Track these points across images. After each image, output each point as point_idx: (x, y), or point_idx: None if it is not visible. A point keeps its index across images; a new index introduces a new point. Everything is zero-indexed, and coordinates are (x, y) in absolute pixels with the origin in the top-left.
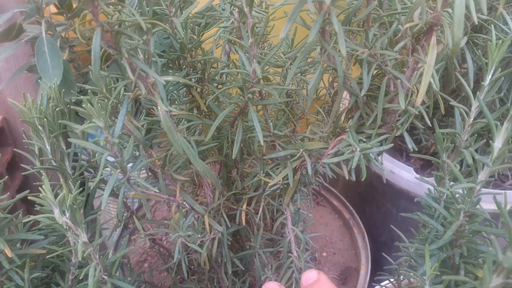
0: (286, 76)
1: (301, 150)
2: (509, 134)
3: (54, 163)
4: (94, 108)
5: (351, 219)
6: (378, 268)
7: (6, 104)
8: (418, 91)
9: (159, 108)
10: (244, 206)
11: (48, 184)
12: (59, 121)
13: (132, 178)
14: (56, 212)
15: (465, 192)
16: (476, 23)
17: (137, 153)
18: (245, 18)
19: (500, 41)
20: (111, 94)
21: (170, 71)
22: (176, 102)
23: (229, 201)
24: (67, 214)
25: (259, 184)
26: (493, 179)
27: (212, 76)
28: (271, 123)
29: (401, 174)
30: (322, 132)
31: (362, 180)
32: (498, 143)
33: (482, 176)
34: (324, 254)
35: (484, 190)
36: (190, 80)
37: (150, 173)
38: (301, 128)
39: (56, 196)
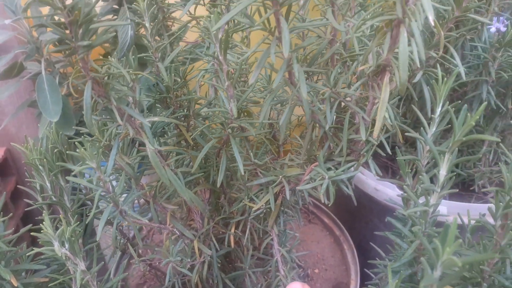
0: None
1: (281, 176)
2: (451, 163)
3: (54, 198)
4: (86, 151)
5: (341, 236)
6: (368, 282)
7: (9, 136)
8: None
9: (146, 146)
10: (233, 230)
11: (48, 220)
12: (57, 163)
13: (124, 210)
14: (56, 245)
15: (420, 214)
16: (419, 65)
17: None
18: (221, 64)
19: (445, 79)
20: (104, 135)
21: (158, 109)
22: (165, 136)
23: (218, 225)
24: (66, 246)
25: (245, 208)
26: (475, 193)
27: (197, 111)
28: (252, 153)
29: (385, 191)
30: (299, 159)
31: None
32: (442, 171)
33: (433, 200)
34: (316, 270)
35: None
36: (177, 117)
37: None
38: (287, 151)
39: (56, 229)
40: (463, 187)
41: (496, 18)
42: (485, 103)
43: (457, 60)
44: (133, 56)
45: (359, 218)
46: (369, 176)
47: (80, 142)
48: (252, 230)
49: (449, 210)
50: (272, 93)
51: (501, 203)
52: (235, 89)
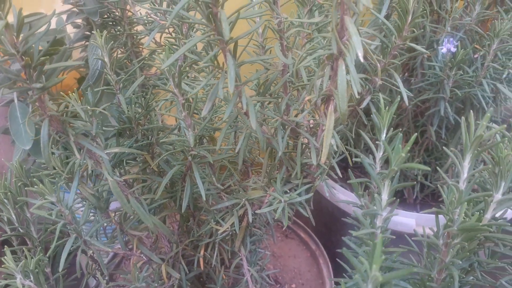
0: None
1: (244, 199)
2: (392, 188)
3: (20, 230)
4: (45, 187)
5: (317, 250)
6: None
7: None
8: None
9: (107, 177)
10: (202, 252)
11: (9, 255)
12: (18, 198)
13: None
14: (18, 278)
15: (369, 236)
16: (357, 96)
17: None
18: (176, 96)
19: (387, 108)
20: (65, 168)
21: (122, 138)
22: (132, 162)
23: (188, 248)
24: (31, 277)
25: (212, 230)
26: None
27: (160, 139)
28: (215, 178)
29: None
30: (261, 181)
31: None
32: (384, 196)
33: (379, 222)
34: (294, 285)
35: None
36: (141, 145)
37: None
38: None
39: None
40: (433, 198)
41: (446, 39)
42: (415, 135)
43: (400, 86)
44: (97, 89)
45: (335, 232)
46: (340, 190)
47: (39, 178)
48: (222, 251)
49: (418, 221)
50: (227, 122)
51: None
52: (193, 118)
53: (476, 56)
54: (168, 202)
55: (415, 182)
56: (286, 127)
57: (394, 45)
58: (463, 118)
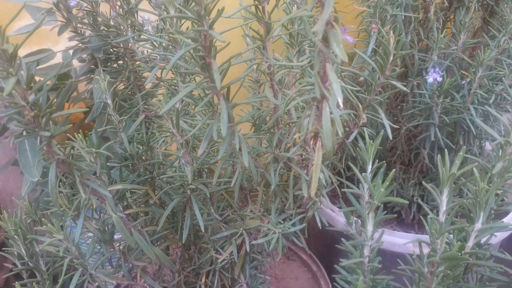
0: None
1: (241, 229)
2: (376, 220)
3: (30, 264)
4: (53, 225)
5: (318, 272)
6: None
7: None
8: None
9: (111, 214)
10: (203, 280)
11: None
12: (28, 236)
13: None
14: None
15: (358, 265)
16: (341, 135)
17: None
18: (175, 136)
19: (371, 141)
20: (72, 204)
21: (125, 173)
22: (136, 194)
23: (190, 275)
24: None
25: (213, 259)
26: None
27: (161, 173)
28: (213, 208)
29: None
30: (258, 211)
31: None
32: (369, 227)
33: (367, 251)
34: None
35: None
36: (143, 179)
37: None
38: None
39: None
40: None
41: (432, 69)
42: (394, 170)
43: (384, 121)
44: (100, 129)
45: (335, 254)
46: (340, 214)
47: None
48: (223, 277)
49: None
50: (221, 160)
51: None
52: (192, 153)
53: (463, 82)
54: (170, 232)
55: (395, 215)
56: (279, 161)
57: (377, 83)
58: (439, 156)
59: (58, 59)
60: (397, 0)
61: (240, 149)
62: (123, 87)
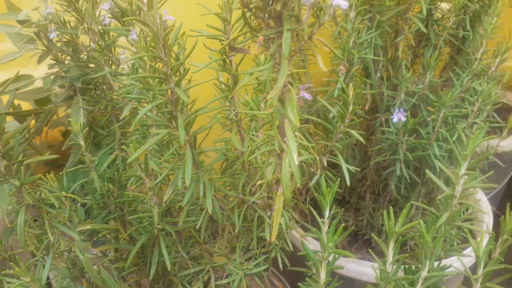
0: None
1: (208, 266)
2: (328, 268)
3: None
4: (20, 269)
5: None
6: None
7: None
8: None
9: (79, 255)
10: None
11: None
12: None
13: None
14: None
15: None
16: (299, 186)
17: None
18: (143, 180)
19: (329, 189)
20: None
21: (95, 210)
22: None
23: None
24: None
25: None
26: (407, 252)
27: (131, 211)
28: (180, 246)
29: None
30: (225, 248)
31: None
32: (322, 275)
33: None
34: None
35: None
36: (113, 216)
37: None
38: None
39: None
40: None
41: (397, 109)
42: (347, 227)
43: (343, 167)
44: (71, 169)
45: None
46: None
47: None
48: None
49: None
50: (187, 203)
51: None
52: (159, 195)
53: (428, 119)
54: (139, 267)
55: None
56: (244, 203)
57: (338, 130)
58: (385, 212)
59: (39, 82)
60: (366, 40)
61: (204, 195)
62: (100, 115)
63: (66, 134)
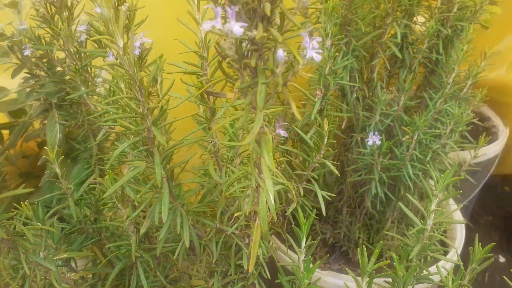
0: None
1: None
2: None
3: None
4: None
5: None
6: None
7: None
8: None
9: (55, 285)
10: None
11: None
12: None
13: None
14: None
15: None
16: (276, 220)
17: None
18: (120, 210)
19: (306, 220)
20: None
21: (71, 236)
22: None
23: None
24: None
25: None
26: None
27: (108, 235)
28: (158, 271)
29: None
30: (204, 272)
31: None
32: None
33: None
34: None
35: None
36: (91, 242)
37: None
38: None
39: None
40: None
41: (371, 133)
42: (317, 263)
43: (319, 198)
44: (46, 196)
45: None
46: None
47: None
48: None
49: None
50: (163, 235)
51: None
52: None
53: (403, 139)
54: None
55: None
56: (222, 232)
57: (314, 160)
58: (359, 249)
59: (13, 93)
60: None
61: (182, 227)
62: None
63: (42, 144)
